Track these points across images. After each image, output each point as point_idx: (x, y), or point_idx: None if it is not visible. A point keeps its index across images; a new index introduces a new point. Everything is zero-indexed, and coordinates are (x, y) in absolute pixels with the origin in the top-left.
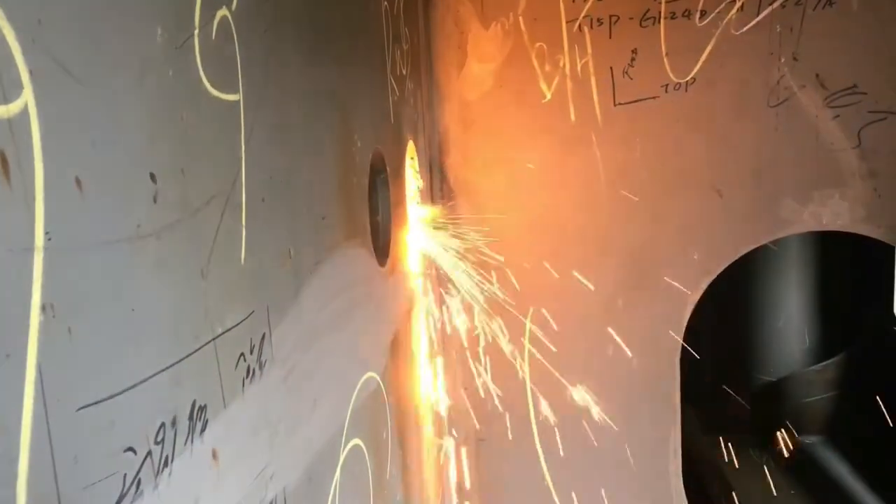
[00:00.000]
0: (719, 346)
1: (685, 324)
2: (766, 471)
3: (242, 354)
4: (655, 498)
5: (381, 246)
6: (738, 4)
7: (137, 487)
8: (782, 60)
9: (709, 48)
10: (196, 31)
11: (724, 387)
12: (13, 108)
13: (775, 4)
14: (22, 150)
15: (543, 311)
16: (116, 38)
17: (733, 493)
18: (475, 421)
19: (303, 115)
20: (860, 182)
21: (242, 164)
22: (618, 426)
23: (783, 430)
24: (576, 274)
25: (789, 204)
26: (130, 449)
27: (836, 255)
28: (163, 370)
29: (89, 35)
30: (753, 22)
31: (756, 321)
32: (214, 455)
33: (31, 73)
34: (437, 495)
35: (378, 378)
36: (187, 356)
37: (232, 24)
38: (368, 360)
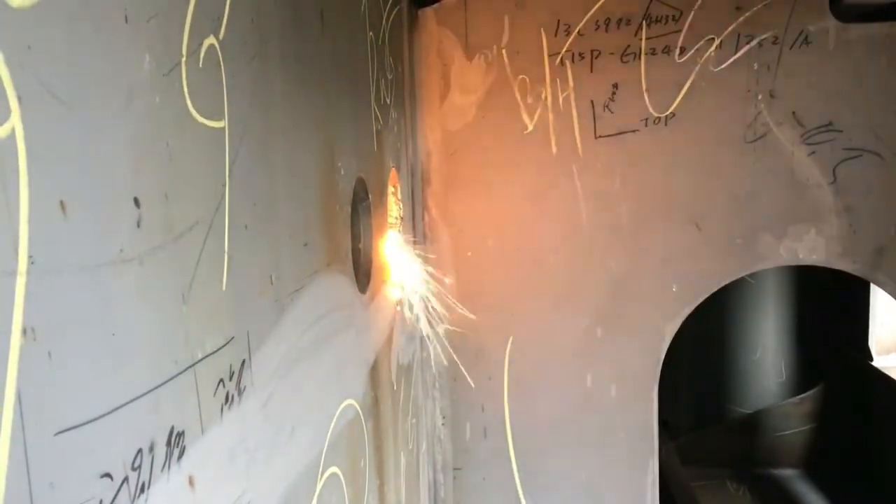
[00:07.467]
0: (697, 377)
1: (663, 355)
2: (743, 503)
3: (222, 380)
4: None
5: (363, 273)
6: (716, 42)
7: None
8: (759, 97)
9: (688, 84)
10: (183, 59)
11: (702, 418)
12: (1, 132)
13: (753, 42)
14: (8, 174)
15: (522, 340)
16: (105, 64)
17: None
18: (452, 450)
19: (287, 142)
20: (835, 218)
21: (226, 191)
22: (596, 457)
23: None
24: (555, 304)
25: (766, 238)
26: (107, 475)
27: (812, 287)
28: (142, 395)
29: (78, 61)
30: (731, 59)
31: (733, 353)
32: (191, 482)
33: (19, 98)
34: None
35: (357, 406)
36: (167, 381)
37: (219, 53)
38: (347, 388)
